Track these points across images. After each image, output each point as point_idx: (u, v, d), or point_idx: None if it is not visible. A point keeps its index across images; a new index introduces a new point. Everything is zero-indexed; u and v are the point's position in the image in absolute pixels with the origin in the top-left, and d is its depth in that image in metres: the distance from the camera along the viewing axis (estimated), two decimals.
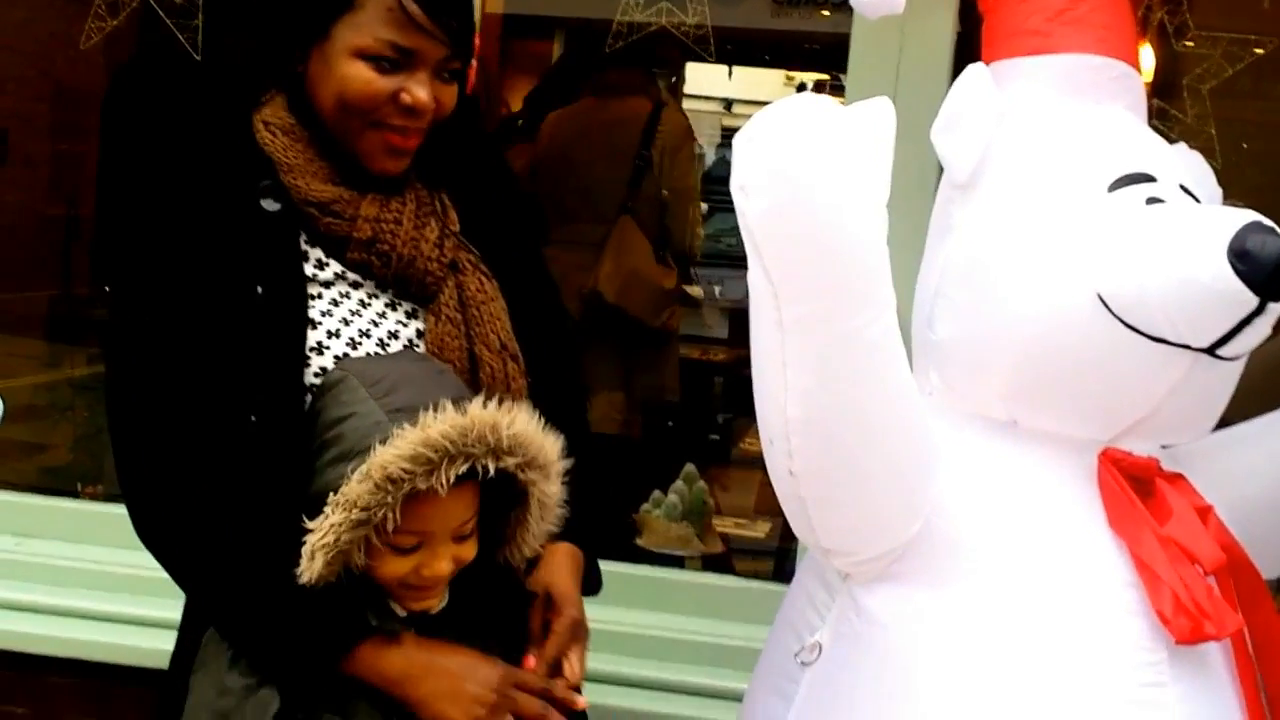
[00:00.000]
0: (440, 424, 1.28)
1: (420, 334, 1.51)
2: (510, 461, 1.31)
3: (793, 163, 1.18)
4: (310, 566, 1.29)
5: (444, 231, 1.52)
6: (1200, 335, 1.30)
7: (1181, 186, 1.42)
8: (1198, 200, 1.43)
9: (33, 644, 2.22)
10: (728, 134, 6.47)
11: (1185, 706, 1.33)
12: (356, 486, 1.28)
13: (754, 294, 1.27)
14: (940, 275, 1.47)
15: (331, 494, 1.29)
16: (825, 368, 1.26)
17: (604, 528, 1.65)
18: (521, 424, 1.32)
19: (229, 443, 1.39)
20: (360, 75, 1.44)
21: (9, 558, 2.34)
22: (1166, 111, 2.36)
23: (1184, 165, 1.49)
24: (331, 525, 1.28)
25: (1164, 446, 1.47)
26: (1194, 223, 1.31)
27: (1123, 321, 1.32)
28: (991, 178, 1.44)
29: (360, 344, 1.47)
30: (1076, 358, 1.34)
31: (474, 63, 1.55)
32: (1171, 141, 1.56)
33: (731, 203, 1.25)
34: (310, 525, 1.30)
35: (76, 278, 3.56)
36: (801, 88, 6.43)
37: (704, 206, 6.22)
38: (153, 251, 1.46)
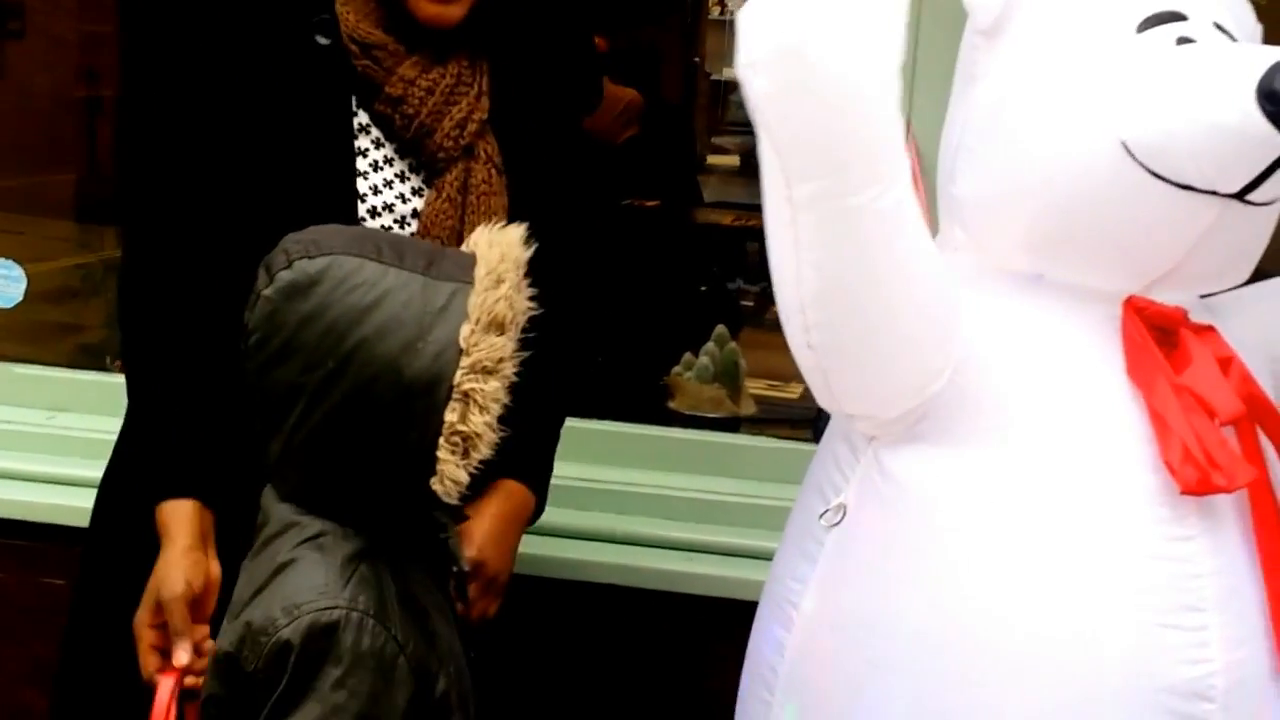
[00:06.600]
0: (492, 246, 1.27)
1: (415, 214, 1.51)
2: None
3: (799, 37, 1.12)
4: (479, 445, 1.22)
5: (470, 115, 1.51)
6: (1228, 180, 1.25)
7: (1216, 24, 1.35)
8: (1234, 39, 1.36)
9: (66, 516, 2.24)
10: None
11: (1214, 560, 1.31)
12: (492, 343, 1.20)
13: (764, 170, 1.23)
14: (963, 128, 1.42)
15: (430, 376, 1.19)
16: (837, 241, 1.23)
17: (548, 463, 1.72)
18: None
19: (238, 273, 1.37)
20: None
21: (42, 431, 2.38)
22: None
23: (1221, 2, 1.41)
24: (492, 395, 1.21)
25: (1203, 297, 1.43)
26: (1221, 63, 1.26)
27: (1147, 169, 1.27)
28: (1018, 22, 1.38)
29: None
30: (1101, 207, 1.30)
31: None
32: None
33: None
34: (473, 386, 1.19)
35: (102, 160, 3.54)
36: None
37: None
38: (189, 71, 1.47)
